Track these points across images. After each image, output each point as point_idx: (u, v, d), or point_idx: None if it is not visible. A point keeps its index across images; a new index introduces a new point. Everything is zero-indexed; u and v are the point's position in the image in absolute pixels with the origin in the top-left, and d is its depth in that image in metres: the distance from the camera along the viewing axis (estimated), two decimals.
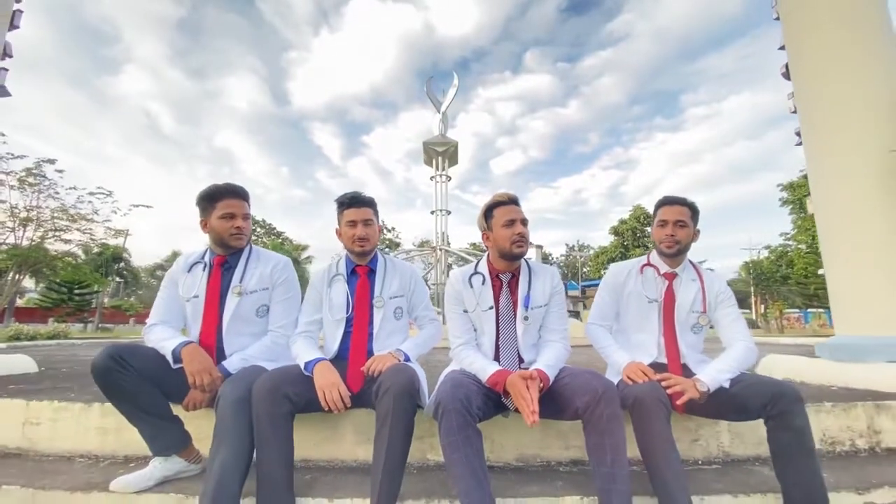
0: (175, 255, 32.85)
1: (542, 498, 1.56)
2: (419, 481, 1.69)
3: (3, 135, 13.40)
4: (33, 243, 18.57)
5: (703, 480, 1.71)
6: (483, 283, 1.81)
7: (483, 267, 1.86)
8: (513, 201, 1.79)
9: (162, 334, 1.76)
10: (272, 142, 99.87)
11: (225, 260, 1.89)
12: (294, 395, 1.54)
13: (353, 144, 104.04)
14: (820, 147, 2.95)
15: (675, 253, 1.89)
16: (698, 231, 1.93)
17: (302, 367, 1.68)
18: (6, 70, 3.54)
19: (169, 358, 1.69)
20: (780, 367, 3.09)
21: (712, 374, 1.66)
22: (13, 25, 3.61)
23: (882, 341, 2.53)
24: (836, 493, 1.60)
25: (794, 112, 3.25)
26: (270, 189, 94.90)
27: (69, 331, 15.85)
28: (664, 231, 1.88)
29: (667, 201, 1.92)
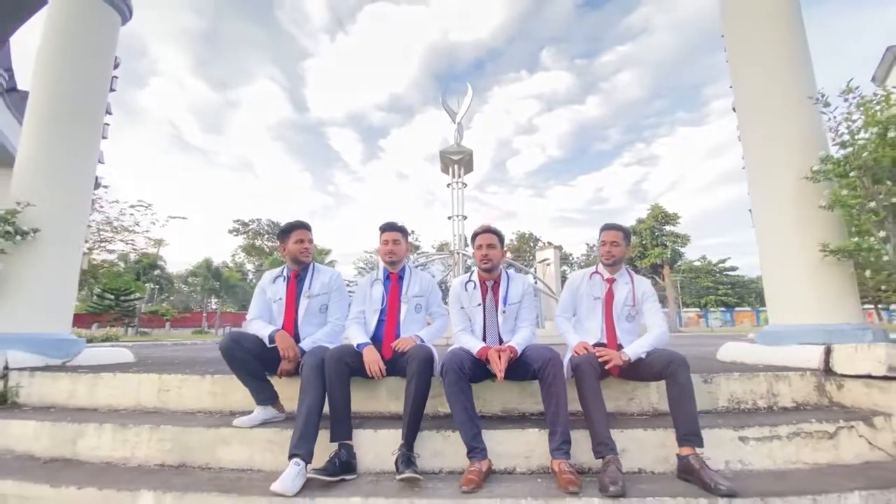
0: (207, 261, 34.99)
1: (514, 430, 2.33)
2: (433, 422, 2.49)
3: None
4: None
5: (629, 423, 2.45)
6: (474, 288, 2.61)
7: (475, 276, 2.65)
8: (485, 231, 2.59)
9: (259, 325, 2.62)
10: (293, 148, 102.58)
11: (298, 273, 2.74)
12: (351, 362, 2.37)
13: (371, 149, 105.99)
14: (755, 172, 3.63)
15: (612, 263, 2.65)
16: (630, 247, 2.68)
17: (355, 346, 2.50)
18: (108, 125, 4.51)
19: (265, 340, 2.54)
20: (730, 352, 3.76)
21: (634, 348, 2.41)
22: (111, 89, 4.59)
23: (794, 328, 3.20)
24: (719, 430, 2.32)
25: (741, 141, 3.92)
26: (293, 195, 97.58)
27: (118, 334, 17.29)
28: (604, 248, 2.64)
29: (605, 227, 2.68)
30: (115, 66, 4.64)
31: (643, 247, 37.90)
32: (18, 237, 3.50)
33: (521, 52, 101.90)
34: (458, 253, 18.06)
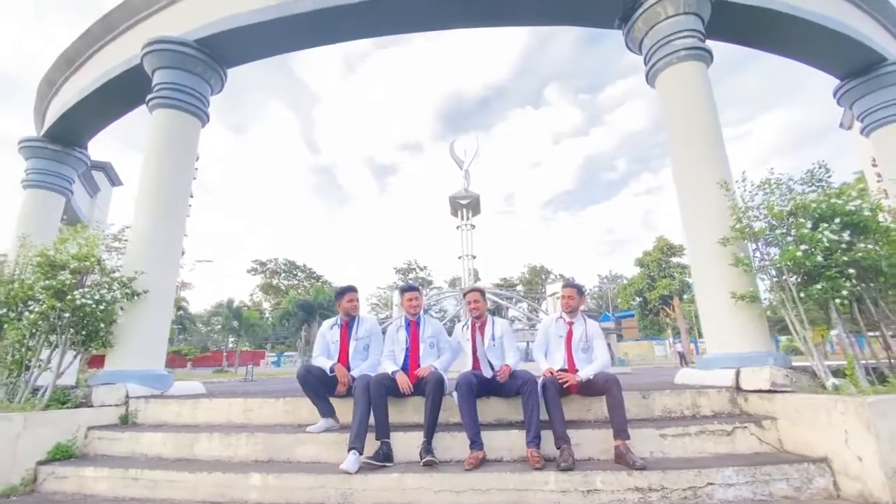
0: (230, 301, 36.78)
1: (502, 432, 3.35)
2: (444, 427, 3.51)
3: None
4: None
5: (584, 426, 3.44)
6: (466, 328, 3.71)
7: (469, 321, 3.75)
8: (473, 290, 3.71)
9: (322, 360, 3.73)
10: (309, 189, 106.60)
11: (348, 322, 3.87)
12: (389, 385, 3.44)
13: (381, 185, 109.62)
14: (689, 236, 4.73)
15: (570, 311, 3.73)
16: (583, 299, 3.76)
17: (390, 373, 3.58)
18: (191, 206, 5.81)
19: (327, 370, 3.63)
20: (682, 377, 4.70)
21: (585, 372, 3.45)
22: (193, 178, 5.92)
23: (720, 356, 4.17)
24: (643, 429, 3.30)
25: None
26: (309, 234, 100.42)
27: None
28: (563, 301, 3.73)
29: (564, 285, 3.78)
30: (196, 159, 6.00)
31: (651, 279, 38.37)
32: (135, 297, 4.71)
33: (526, 88, 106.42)
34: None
